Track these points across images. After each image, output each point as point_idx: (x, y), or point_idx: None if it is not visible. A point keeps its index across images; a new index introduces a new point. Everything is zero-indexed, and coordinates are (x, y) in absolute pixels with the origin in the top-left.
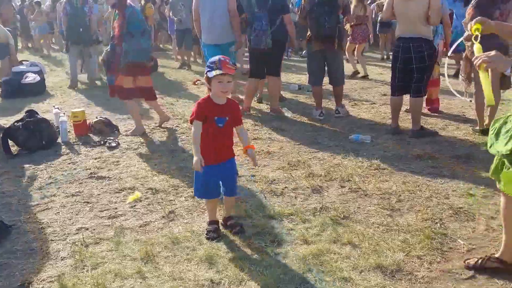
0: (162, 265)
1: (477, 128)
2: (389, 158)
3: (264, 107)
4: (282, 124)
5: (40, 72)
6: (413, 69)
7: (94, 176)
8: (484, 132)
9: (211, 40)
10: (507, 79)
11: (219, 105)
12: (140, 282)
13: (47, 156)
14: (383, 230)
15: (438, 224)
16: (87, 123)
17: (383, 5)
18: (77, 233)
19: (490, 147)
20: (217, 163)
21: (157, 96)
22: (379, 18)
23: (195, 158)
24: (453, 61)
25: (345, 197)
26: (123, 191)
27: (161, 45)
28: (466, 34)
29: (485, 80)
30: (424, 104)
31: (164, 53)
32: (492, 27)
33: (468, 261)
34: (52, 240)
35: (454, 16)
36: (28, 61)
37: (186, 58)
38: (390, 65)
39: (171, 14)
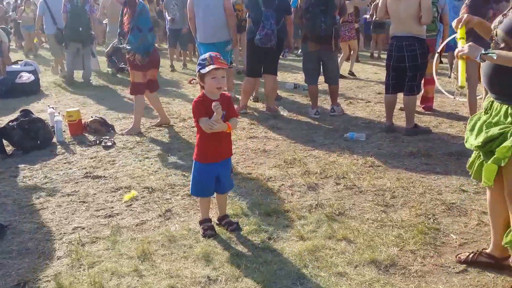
0: (159, 263)
1: None
2: (383, 155)
3: (260, 106)
4: (278, 123)
5: (34, 72)
6: (406, 68)
7: (90, 176)
8: None
9: (206, 38)
10: None
11: (214, 101)
12: (137, 280)
13: (42, 156)
14: (378, 225)
15: (431, 220)
16: (82, 123)
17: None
18: (73, 233)
19: (466, 141)
20: (217, 161)
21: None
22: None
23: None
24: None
25: (340, 194)
26: (119, 190)
27: (156, 44)
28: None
29: (462, 65)
30: (418, 102)
31: (160, 52)
32: (474, 23)
33: (460, 255)
34: (48, 240)
35: (451, 11)
36: (22, 60)
37: (182, 57)
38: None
39: (166, 13)
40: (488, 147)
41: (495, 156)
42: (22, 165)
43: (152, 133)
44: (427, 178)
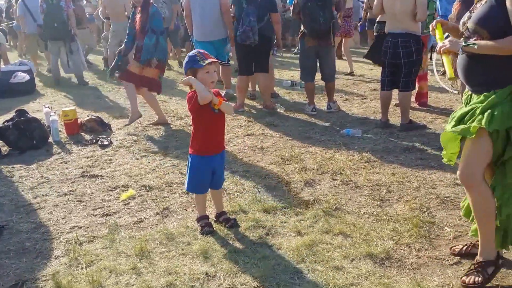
0: (157, 260)
1: None
2: (379, 151)
3: (257, 103)
4: (275, 120)
5: (29, 71)
6: (401, 64)
7: (87, 175)
8: None
9: (202, 36)
10: None
11: None
12: (136, 278)
13: (39, 155)
14: (373, 220)
15: (426, 213)
16: (78, 122)
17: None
18: (70, 232)
19: (442, 158)
20: (212, 153)
21: (151, 94)
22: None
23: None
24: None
25: (337, 189)
26: (117, 189)
27: None
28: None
29: (446, 59)
30: (413, 98)
31: None
32: (448, 28)
33: (454, 247)
34: (45, 239)
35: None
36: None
37: (177, 56)
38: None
39: None
40: (461, 124)
41: (464, 127)
42: (18, 165)
43: (149, 132)
44: (422, 172)
